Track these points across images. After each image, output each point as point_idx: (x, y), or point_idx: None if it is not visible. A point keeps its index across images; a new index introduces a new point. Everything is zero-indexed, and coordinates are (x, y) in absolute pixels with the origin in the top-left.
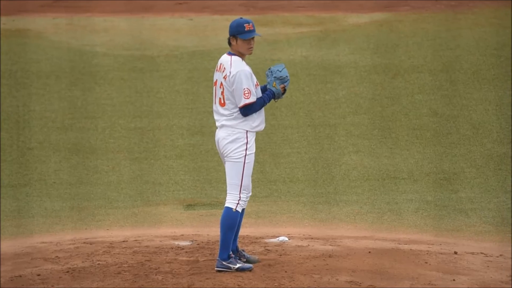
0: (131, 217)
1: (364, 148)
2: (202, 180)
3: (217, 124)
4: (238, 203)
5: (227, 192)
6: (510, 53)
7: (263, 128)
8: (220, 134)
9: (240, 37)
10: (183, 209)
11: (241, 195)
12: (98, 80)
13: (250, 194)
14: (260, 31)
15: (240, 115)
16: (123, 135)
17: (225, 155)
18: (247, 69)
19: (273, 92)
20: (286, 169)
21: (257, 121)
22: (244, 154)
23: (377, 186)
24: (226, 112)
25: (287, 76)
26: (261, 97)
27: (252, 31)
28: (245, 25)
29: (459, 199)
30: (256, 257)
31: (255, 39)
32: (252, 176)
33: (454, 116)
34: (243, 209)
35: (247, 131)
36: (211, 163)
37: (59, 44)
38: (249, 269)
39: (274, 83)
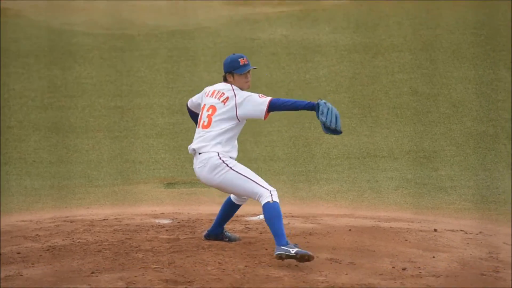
0: (111, 196)
1: (344, 127)
2: (182, 158)
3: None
4: (271, 194)
5: (257, 200)
6: (489, 32)
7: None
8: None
9: (236, 72)
10: (164, 187)
11: (266, 186)
12: (78, 59)
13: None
14: (240, 10)
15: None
16: (103, 114)
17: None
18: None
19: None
20: (267, 147)
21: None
22: (229, 168)
23: (357, 165)
24: (208, 134)
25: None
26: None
27: (247, 65)
28: (239, 60)
29: (439, 177)
30: (237, 235)
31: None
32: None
33: (434, 95)
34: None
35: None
36: (191, 142)
37: (38, 23)
38: (308, 256)
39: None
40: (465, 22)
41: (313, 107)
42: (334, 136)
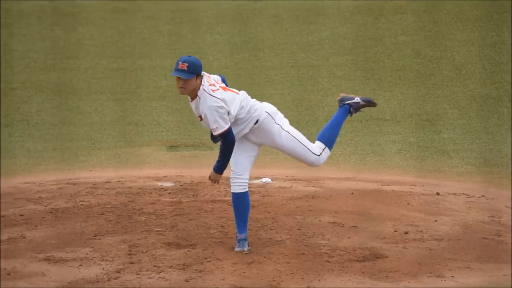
0: (114, 158)
1: (347, 89)
2: (185, 121)
3: None
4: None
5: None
6: None
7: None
8: None
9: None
10: (166, 150)
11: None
12: (81, 21)
13: (239, 175)
14: None
15: None
16: (105, 76)
17: None
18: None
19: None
20: None
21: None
22: None
23: (359, 128)
24: None
25: None
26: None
27: (175, 70)
28: (179, 62)
29: (442, 140)
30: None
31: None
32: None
33: (437, 57)
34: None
35: None
36: None
37: None
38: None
39: None
40: None
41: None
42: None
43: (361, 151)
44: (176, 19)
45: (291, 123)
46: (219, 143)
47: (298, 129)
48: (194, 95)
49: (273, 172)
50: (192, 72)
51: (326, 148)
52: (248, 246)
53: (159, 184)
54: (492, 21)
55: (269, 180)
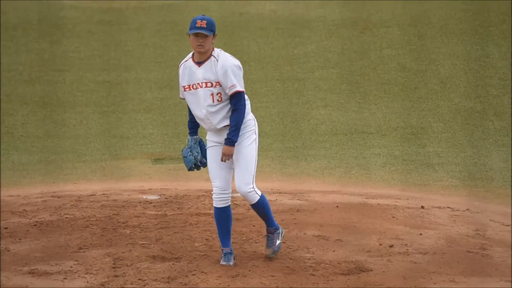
0: (99, 171)
1: (332, 103)
2: (170, 134)
3: None
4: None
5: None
6: (478, 8)
7: (207, 131)
8: None
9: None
10: (151, 163)
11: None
12: (66, 33)
13: (218, 188)
14: None
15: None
16: (91, 89)
17: None
18: (180, 64)
19: (189, 134)
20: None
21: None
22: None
23: (345, 141)
24: None
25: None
26: (189, 113)
27: (198, 28)
28: (196, 20)
29: (427, 153)
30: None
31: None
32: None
33: (422, 71)
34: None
35: None
36: (179, 117)
37: None
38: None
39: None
40: None
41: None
42: (322, 112)
43: (346, 164)
44: (161, 32)
45: (277, 136)
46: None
47: (283, 142)
48: (206, 56)
49: (258, 185)
50: (211, 29)
51: (259, 197)
52: (234, 259)
53: (144, 197)
54: (477, 35)
55: None
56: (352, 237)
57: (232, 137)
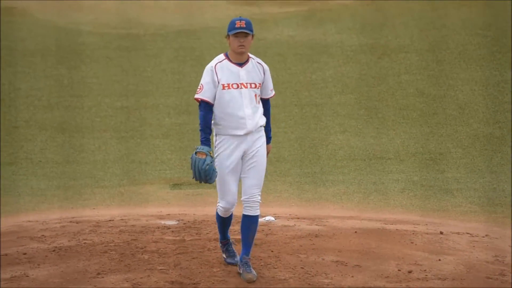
0: (117, 196)
1: (350, 128)
2: (188, 159)
3: None
4: (218, 208)
5: None
6: (496, 33)
7: (240, 133)
8: None
9: (228, 33)
10: (170, 188)
11: (218, 201)
12: (84, 59)
13: (231, 204)
14: (246, 10)
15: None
16: (109, 114)
17: None
18: (211, 64)
19: (202, 141)
20: (273, 148)
21: (229, 123)
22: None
23: (363, 166)
24: None
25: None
26: (206, 115)
27: (239, 28)
28: (236, 21)
29: (445, 179)
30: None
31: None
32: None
33: (441, 96)
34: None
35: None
36: (197, 142)
37: (44, 22)
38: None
39: (203, 154)
40: (471, 23)
41: (203, 141)
42: (340, 137)
43: (365, 189)
44: (179, 57)
45: (295, 162)
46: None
47: (301, 168)
48: (245, 58)
49: (276, 210)
50: (250, 29)
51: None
52: (236, 253)
53: (162, 222)
54: (495, 60)
55: (273, 218)
56: (371, 262)
57: (271, 136)
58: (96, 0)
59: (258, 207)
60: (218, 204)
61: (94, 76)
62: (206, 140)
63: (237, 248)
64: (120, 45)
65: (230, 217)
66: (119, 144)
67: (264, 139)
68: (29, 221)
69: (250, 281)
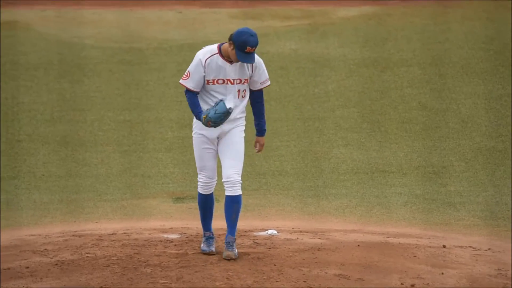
0: (120, 210)
1: (353, 142)
2: (191, 173)
3: None
4: (198, 185)
5: None
6: (499, 47)
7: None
8: None
9: (235, 49)
10: (172, 202)
11: (198, 176)
12: (87, 73)
13: (210, 178)
14: (249, 24)
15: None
16: (112, 128)
17: None
18: (202, 55)
19: (199, 115)
20: (275, 162)
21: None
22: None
23: (366, 180)
24: None
25: (218, 117)
26: (193, 98)
27: (248, 56)
28: (247, 47)
29: (448, 192)
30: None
31: None
32: (242, 170)
33: (443, 110)
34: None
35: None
36: None
37: (47, 36)
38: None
39: (206, 115)
40: (474, 37)
41: (198, 114)
42: (343, 151)
43: (367, 203)
44: (182, 71)
45: (298, 175)
46: None
47: (304, 181)
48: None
49: (278, 224)
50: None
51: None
52: (214, 244)
53: (165, 236)
54: (498, 74)
55: (275, 232)
56: (374, 276)
57: (265, 128)
58: (98, 15)
59: (239, 187)
60: (198, 181)
61: (96, 90)
62: (200, 111)
63: (220, 247)
64: (123, 59)
65: (211, 200)
66: (121, 158)
67: (242, 126)
68: (32, 235)
69: (228, 258)
